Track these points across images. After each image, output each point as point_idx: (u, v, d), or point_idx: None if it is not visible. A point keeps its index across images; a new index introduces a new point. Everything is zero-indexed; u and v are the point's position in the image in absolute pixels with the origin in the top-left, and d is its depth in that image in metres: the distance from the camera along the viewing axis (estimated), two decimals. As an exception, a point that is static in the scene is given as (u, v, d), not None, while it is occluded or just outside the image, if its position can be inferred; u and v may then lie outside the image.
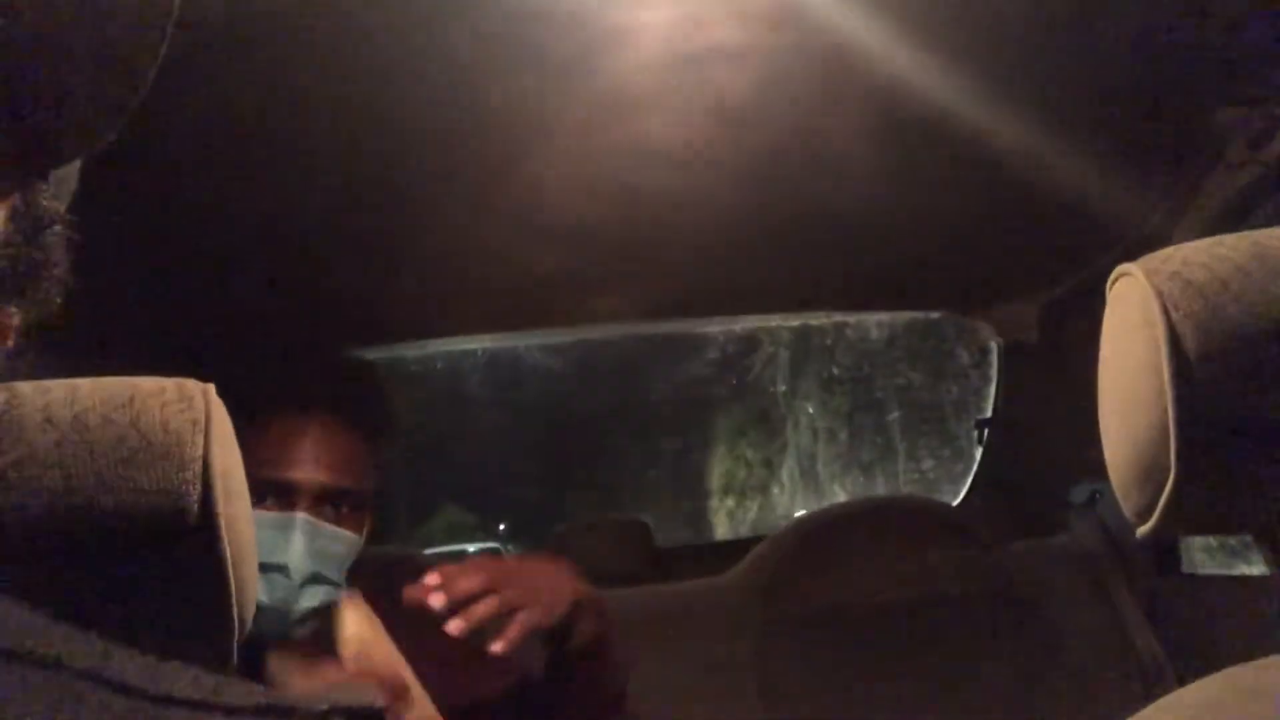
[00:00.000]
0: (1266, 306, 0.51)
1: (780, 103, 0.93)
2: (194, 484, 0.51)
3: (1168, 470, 0.52)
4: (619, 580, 1.57)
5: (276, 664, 1.03)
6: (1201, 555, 1.46)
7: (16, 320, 0.34)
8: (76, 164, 0.37)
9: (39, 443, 0.50)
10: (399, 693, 1.00)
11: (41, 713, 0.29)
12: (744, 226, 1.20)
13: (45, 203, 0.34)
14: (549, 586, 1.04)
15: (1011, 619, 1.47)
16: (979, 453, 1.72)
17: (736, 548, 1.63)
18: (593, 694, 1.10)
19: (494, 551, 1.11)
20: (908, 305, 1.70)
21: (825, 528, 1.58)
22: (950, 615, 1.46)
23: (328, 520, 1.07)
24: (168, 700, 0.31)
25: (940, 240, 1.32)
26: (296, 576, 1.03)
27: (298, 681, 1.03)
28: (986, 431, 1.69)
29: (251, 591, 0.56)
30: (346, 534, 1.08)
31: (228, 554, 0.52)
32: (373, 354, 1.69)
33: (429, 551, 2.24)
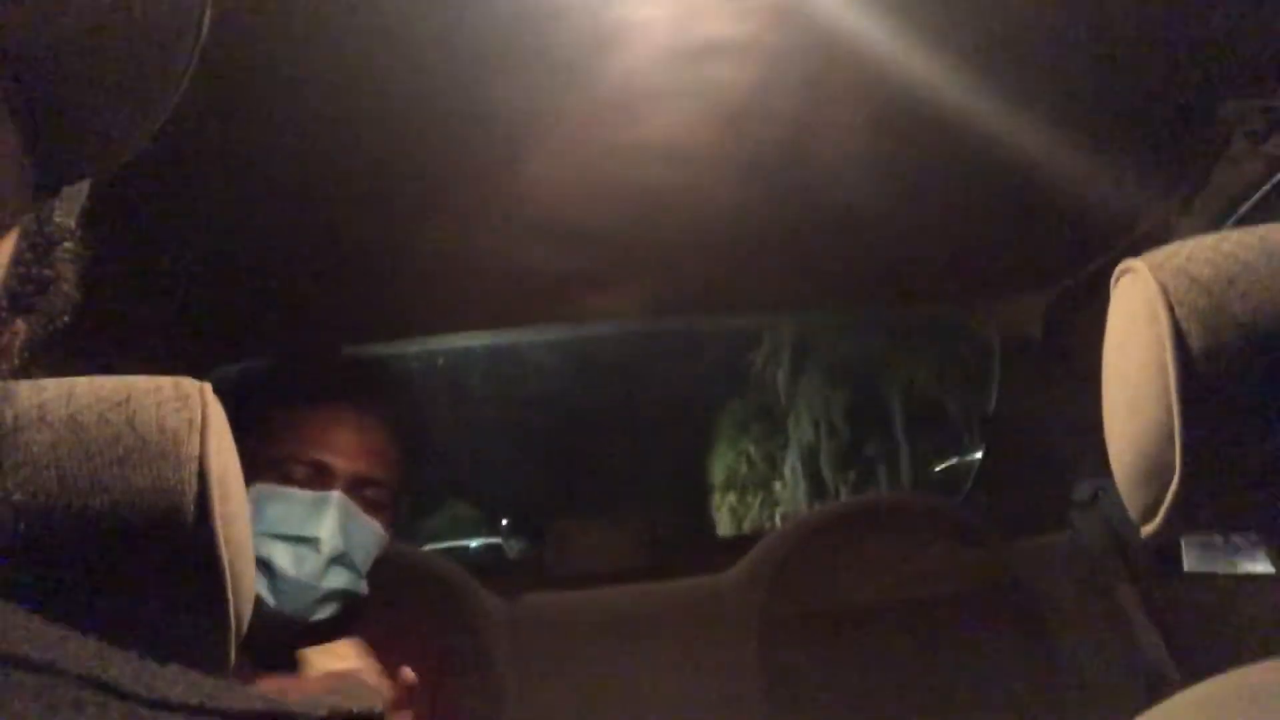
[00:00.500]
0: (1272, 302, 0.51)
1: (781, 99, 0.92)
2: (190, 483, 0.51)
3: (1172, 468, 0.52)
4: (619, 577, 1.57)
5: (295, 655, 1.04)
6: (1205, 554, 1.46)
7: (23, 337, 0.33)
8: (86, 181, 0.36)
9: (35, 442, 0.50)
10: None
11: (37, 718, 0.28)
12: (745, 223, 1.20)
13: (57, 220, 0.34)
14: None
15: (1014, 617, 1.47)
16: (981, 450, 1.72)
17: (738, 545, 1.63)
18: None
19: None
20: (910, 301, 1.69)
21: (827, 525, 1.58)
22: (952, 613, 1.46)
23: (360, 506, 1.12)
24: (164, 705, 0.31)
25: (943, 236, 1.32)
26: (326, 550, 1.07)
27: (316, 662, 1.04)
28: (989, 428, 1.69)
29: (248, 591, 0.55)
30: (374, 524, 1.13)
31: (224, 553, 0.52)
32: (375, 350, 1.69)
33: (429, 548, 2.24)
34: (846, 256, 1.35)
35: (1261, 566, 1.35)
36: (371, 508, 1.13)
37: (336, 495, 1.09)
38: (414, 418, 1.25)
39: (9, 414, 0.49)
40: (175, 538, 0.51)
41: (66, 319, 0.35)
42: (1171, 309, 0.53)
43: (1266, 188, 1.09)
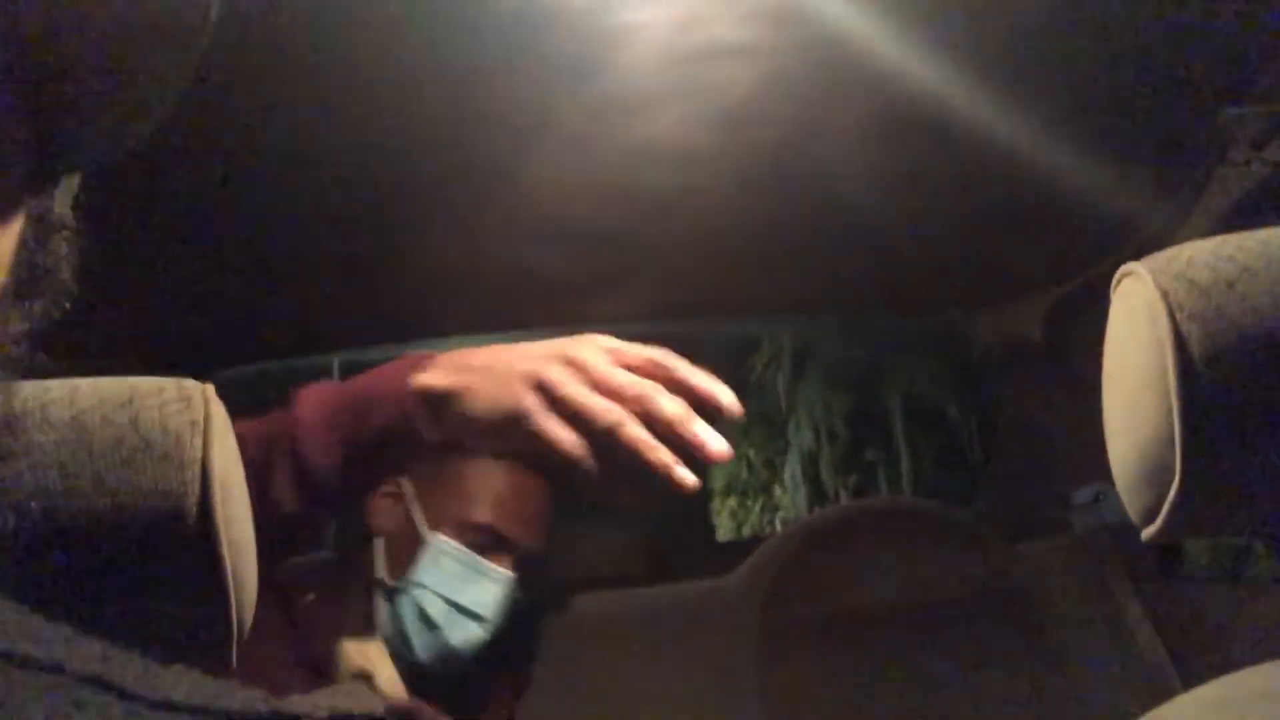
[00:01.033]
0: (1272, 306, 0.51)
1: (782, 102, 0.93)
2: (193, 485, 0.51)
3: (1172, 472, 0.52)
4: (619, 582, 1.57)
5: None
6: (1206, 557, 1.46)
7: (23, 328, 0.33)
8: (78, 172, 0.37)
9: (38, 443, 0.50)
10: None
11: (39, 717, 0.29)
12: (745, 227, 1.20)
13: (56, 208, 0.34)
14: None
15: (1015, 621, 1.47)
16: (982, 454, 1.72)
17: (739, 549, 1.63)
18: None
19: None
20: (911, 306, 1.69)
21: (828, 530, 1.58)
22: (953, 618, 1.46)
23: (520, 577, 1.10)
24: (167, 705, 0.31)
25: (943, 240, 1.32)
26: (488, 631, 1.06)
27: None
28: (990, 433, 1.69)
29: (251, 593, 0.55)
30: (524, 593, 1.11)
31: (226, 554, 0.52)
32: (377, 354, 1.69)
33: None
34: (846, 261, 1.36)
35: (1262, 569, 1.35)
36: (524, 575, 1.11)
37: (511, 578, 1.08)
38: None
39: (12, 413, 0.49)
40: (177, 539, 0.51)
41: (66, 307, 0.35)
42: (1172, 312, 0.53)
43: (1265, 192, 1.09)
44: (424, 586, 1.05)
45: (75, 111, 0.30)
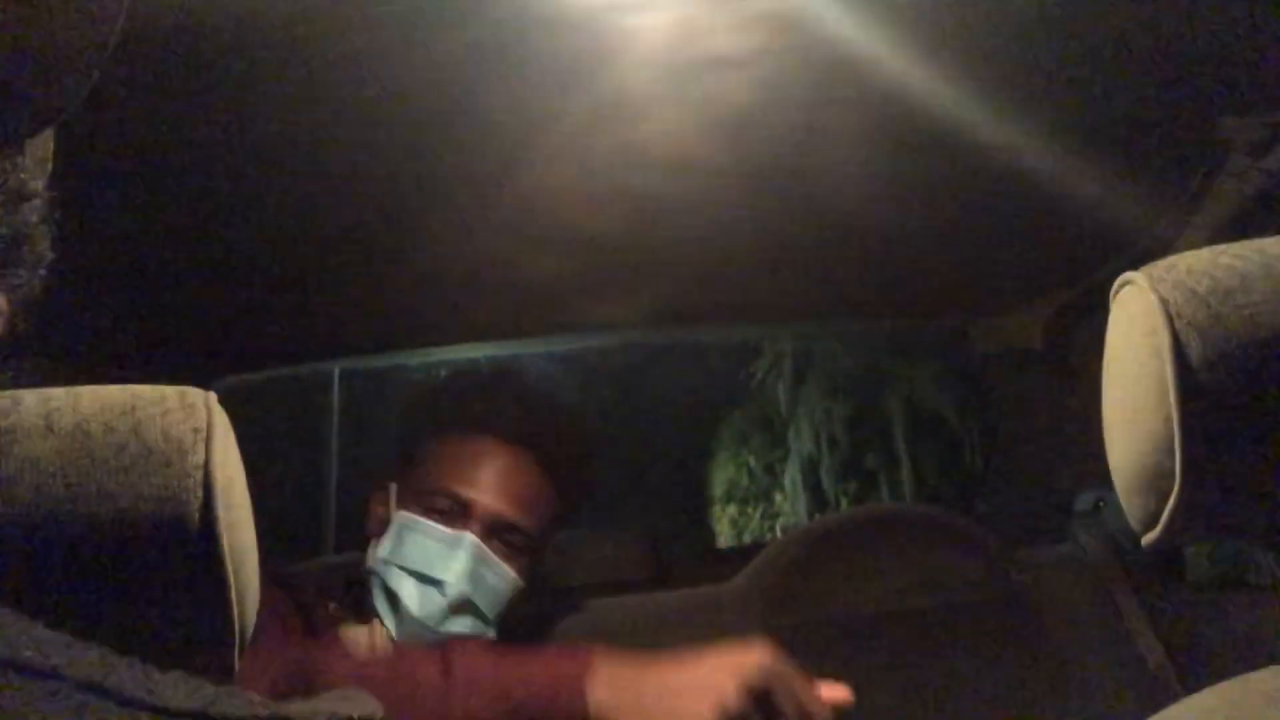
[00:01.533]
0: (1271, 315, 0.51)
1: (780, 109, 0.93)
2: (195, 492, 0.51)
3: (1172, 478, 0.52)
4: (620, 587, 1.57)
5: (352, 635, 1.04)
6: (1208, 563, 1.46)
7: (3, 302, 0.34)
8: (51, 145, 0.37)
9: (40, 450, 0.50)
10: None
11: None
12: (745, 233, 1.20)
13: (23, 176, 0.34)
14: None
15: (1016, 627, 1.47)
16: (982, 461, 1.72)
17: (740, 555, 1.63)
18: None
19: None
20: (911, 313, 1.69)
21: (829, 536, 1.58)
22: (954, 624, 1.46)
23: (495, 552, 1.07)
24: (165, 711, 0.31)
25: (944, 248, 1.32)
26: (450, 594, 1.03)
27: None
28: (990, 440, 1.69)
29: (253, 600, 0.55)
30: (508, 571, 1.08)
31: (229, 561, 0.52)
32: (377, 362, 1.70)
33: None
34: (847, 268, 1.36)
35: (1263, 575, 1.35)
36: (510, 552, 1.08)
37: (469, 538, 1.05)
38: (579, 458, 1.16)
39: (15, 421, 0.49)
40: (180, 546, 0.51)
41: (41, 274, 0.35)
42: (1170, 321, 0.53)
43: (1264, 201, 1.09)
44: (389, 563, 1.06)
45: (10, 63, 0.30)
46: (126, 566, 0.50)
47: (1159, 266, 0.56)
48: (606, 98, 0.89)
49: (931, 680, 1.42)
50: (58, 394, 0.53)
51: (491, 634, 1.09)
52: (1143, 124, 1.04)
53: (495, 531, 1.08)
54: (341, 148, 0.96)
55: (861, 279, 1.41)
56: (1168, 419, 0.52)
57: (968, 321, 1.64)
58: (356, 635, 1.06)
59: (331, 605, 1.11)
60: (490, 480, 1.08)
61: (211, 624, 0.52)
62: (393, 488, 1.12)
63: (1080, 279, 1.41)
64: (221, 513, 0.52)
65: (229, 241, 1.12)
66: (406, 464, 1.13)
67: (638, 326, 1.59)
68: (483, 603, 1.06)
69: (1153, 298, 0.54)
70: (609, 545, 1.68)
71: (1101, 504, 1.53)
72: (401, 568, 1.05)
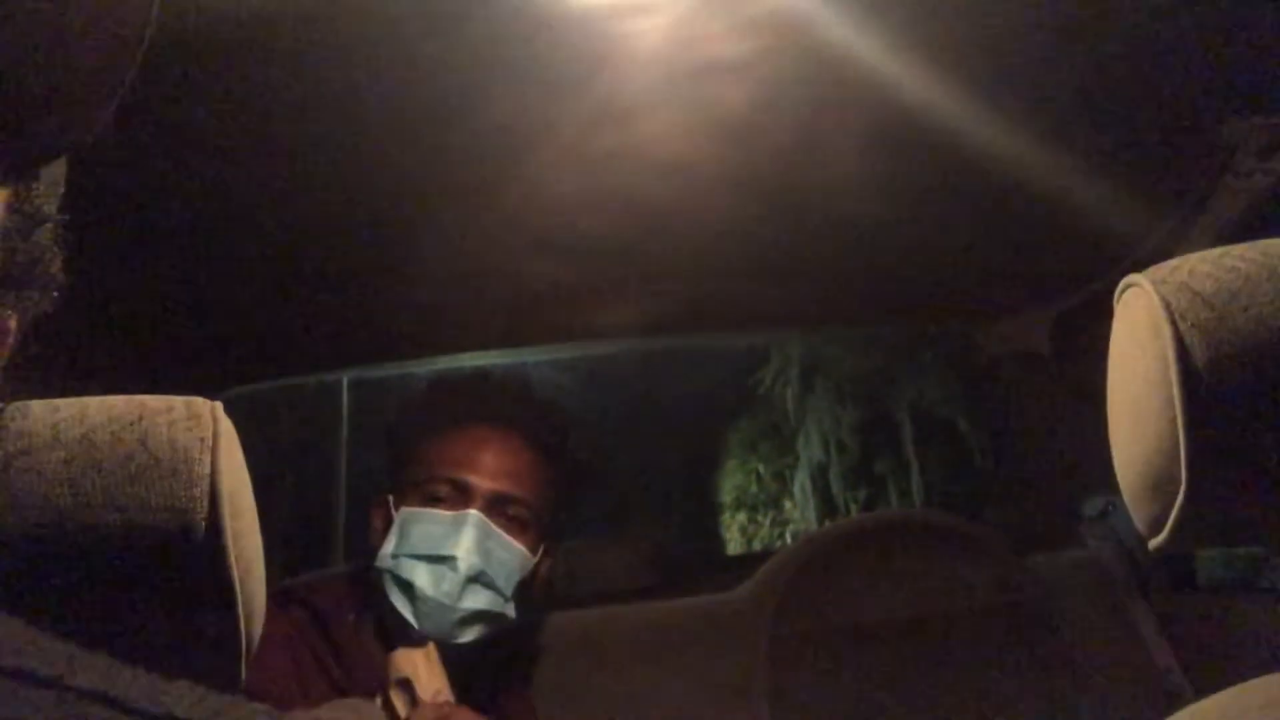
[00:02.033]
0: (1275, 315, 0.51)
1: (779, 114, 0.93)
2: (201, 501, 0.52)
3: (1178, 481, 0.52)
4: (628, 595, 1.57)
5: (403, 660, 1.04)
6: (1218, 568, 1.45)
7: (14, 322, 0.34)
8: (64, 167, 0.37)
9: (48, 460, 0.50)
10: None
11: None
12: (746, 238, 1.21)
13: (38, 200, 0.34)
14: None
15: (1026, 634, 1.46)
16: (991, 466, 1.72)
17: (749, 562, 1.62)
18: None
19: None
20: (917, 318, 1.69)
21: (837, 543, 1.57)
22: (964, 631, 1.45)
23: (499, 526, 1.11)
24: (170, 719, 0.31)
25: (948, 252, 1.32)
26: (463, 569, 1.06)
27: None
28: (998, 444, 1.68)
29: (259, 608, 0.56)
30: (515, 544, 1.12)
31: (235, 570, 0.52)
32: (385, 371, 1.70)
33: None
34: (850, 272, 1.36)
35: (1275, 578, 1.34)
36: (514, 527, 1.12)
37: (473, 513, 1.09)
38: (564, 437, 1.22)
39: (24, 431, 0.49)
40: (186, 554, 0.51)
41: (55, 296, 0.36)
42: (1174, 323, 0.53)
43: (1268, 203, 1.09)
44: (398, 556, 1.08)
45: (20, 108, 0.31)
46: (133, 575, 0.50)
47: (1162, 269, 0.56)
48: (605, 103, 0.89)
49: (940, 687, 1.41)
50: (65, 404, 0.53)
51: (510, 610, 1.11)
52: (1148, 127, 1.04)
53: (496, 505, 1.12)
54: (345, 155, 0.97)
55: (865, 283, 1.41)
56: (1172, 421, 0.52)
57: (974, 326, 1.64)
58: (409, 660, 1.05)
59: (351, 616, 1.12)
60: (484, 461, 1.13)
61: (218, 632, 0.53)
62: (390, 498, 1.15)
63: (1087, 282, 1.41)
64: (228, 521, 0.52)
65: (235, 251, 1.13)
66: (401, 466, 1.17)
67: (644, 332, 1.60)
68: (496, 576, 1.09)
69: (1156, 300, 0.54)
70: (616, 553, 1.68)
71: (1111, 508, 1.52)
72: (411, 555, 1.07)
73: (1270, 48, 0.91)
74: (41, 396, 0.52)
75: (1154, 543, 0.56)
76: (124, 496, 0.51)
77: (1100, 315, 0.65)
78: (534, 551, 1.14)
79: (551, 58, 0.84)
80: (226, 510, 0.52)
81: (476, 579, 1.08)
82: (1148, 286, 0.55)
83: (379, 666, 1.05)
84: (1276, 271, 0.53)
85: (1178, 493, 0.52)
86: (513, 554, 1.11)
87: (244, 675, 0.55)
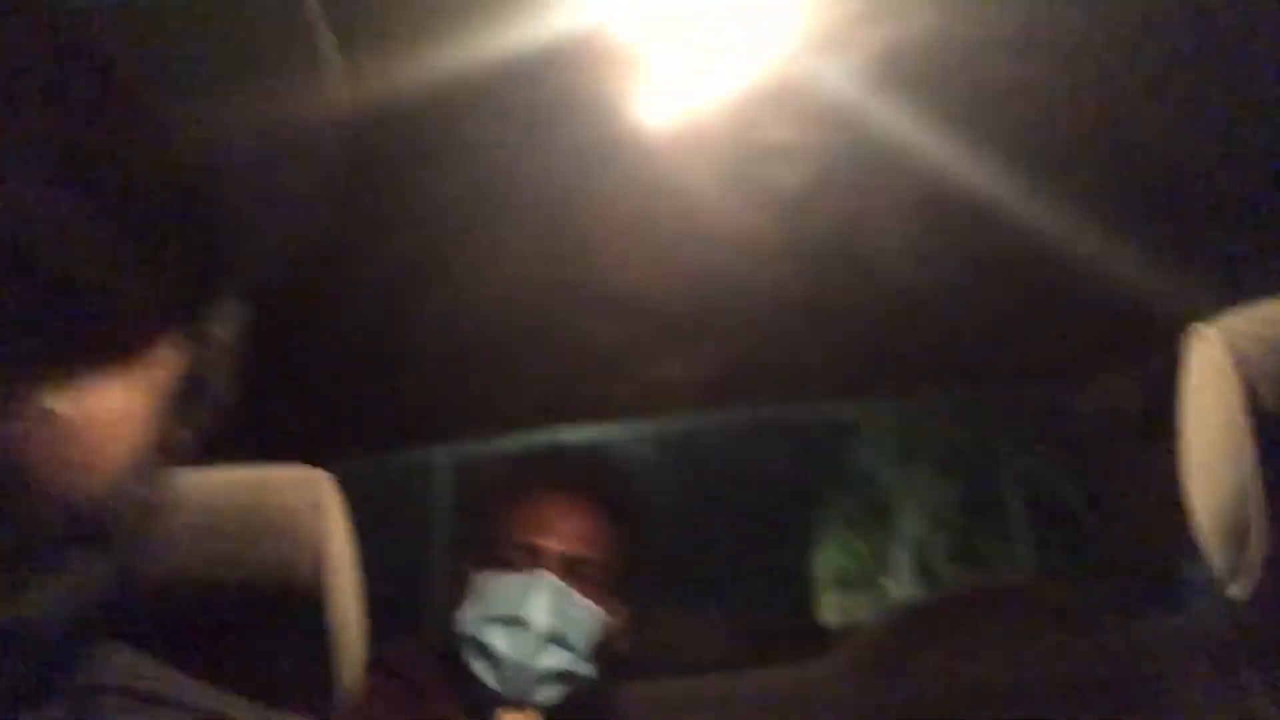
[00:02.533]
0: (1341, 360, 0.51)
1: (831, 195, 0.97)
2: (309, 561, 0.56)
3: (1252, 527, 0.52)
4: (720, 667, 1.55)
5: None
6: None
7: (186, 437, 0.36)
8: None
9: (177, 522, 0.56)
10: None
11: None
12: (810, 308, 1.23)
13: (218, 330, 0.36)
14: None
15: (1130, 706, 1.39)
16: (1093, 534, 1.66)
17: (835, 634, 1.60)
18: None
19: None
20: (1000, 384, 1.67)
21: (930, 612, 1.54)
22: (1063, 703, 1.39)
23: (572, 587, 1.14)
24: None
25: (1025, 318, 1.32)
26: (537, 629, 1.09)
27: None
28: (1095, 508, 1.63)
29: (356, 662, 0.59)
30: (589, 603, 1.14)
31: (334, 623, 0.56)
32: (481, 448, 1.75)
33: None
34: (926, 339, 1.36)
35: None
36: (587, 587, 1.15)
37: (545, 575, 1.12)
38: (634, 502, 1.27)
39: (165, 497, 0.55)
40: (293, 608, 0.56)
41: (219, 416, 0.38)
42: (1242, 370, 0.54)
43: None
44: (475, 620, 1.11)
45: (229, 233, 0.32)
46: (246, 626, 0.55)
47: (1230, 318, 0.57)
48: (668, 180, 0.95)
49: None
50: (193, 472, 0.59)
51: (588, 670, 1.12)
52: (1219, 188, 1.04)
53: (568, 567, 1.14)
54: (410, 229, 1.03)
55: (937, 350, 1.41)
56: (1245, 469, 0.52)
57: (1064, 388, 1.61)
58: None
59: (445, 689, 1.15)
60: (554, 525, 1.17)
61: (317, 679, 0.57)
62: (470, 570, 1.19)
63: (1173, 338, 1.38)
64: (331, 579, 0.57)
65: (349, 335, 1.21)
66: (478, 542, 1.21)
67: (722, 404, 1.62)
68: (572, 636, 1.11)
69: (1222, 348, 0.55)
70: (702, 624, 1.67)
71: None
72: (487, 618, 1.11)
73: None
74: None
75: (1231, 591, 0.55)
76: (241, 556, 0.56)
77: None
78: (608, 610, 1.16)
79: (626, 143, 0.91)
80: (329, 568, 0.57)
81: (553, 639, 1.10)
82: (1215, 336, 0.56)
83: None
84: (1342, 316, 0.53)
85: (1252, 539, 0.52)
86: (586, 613, 1.13)
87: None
